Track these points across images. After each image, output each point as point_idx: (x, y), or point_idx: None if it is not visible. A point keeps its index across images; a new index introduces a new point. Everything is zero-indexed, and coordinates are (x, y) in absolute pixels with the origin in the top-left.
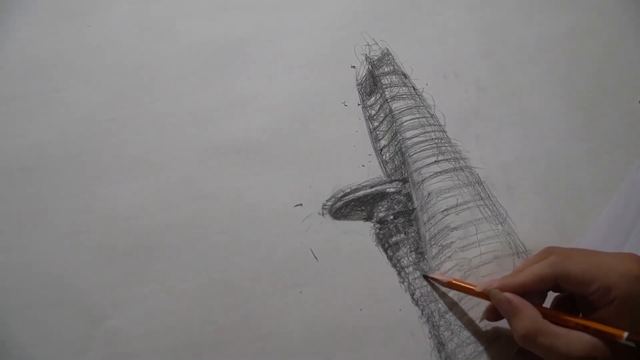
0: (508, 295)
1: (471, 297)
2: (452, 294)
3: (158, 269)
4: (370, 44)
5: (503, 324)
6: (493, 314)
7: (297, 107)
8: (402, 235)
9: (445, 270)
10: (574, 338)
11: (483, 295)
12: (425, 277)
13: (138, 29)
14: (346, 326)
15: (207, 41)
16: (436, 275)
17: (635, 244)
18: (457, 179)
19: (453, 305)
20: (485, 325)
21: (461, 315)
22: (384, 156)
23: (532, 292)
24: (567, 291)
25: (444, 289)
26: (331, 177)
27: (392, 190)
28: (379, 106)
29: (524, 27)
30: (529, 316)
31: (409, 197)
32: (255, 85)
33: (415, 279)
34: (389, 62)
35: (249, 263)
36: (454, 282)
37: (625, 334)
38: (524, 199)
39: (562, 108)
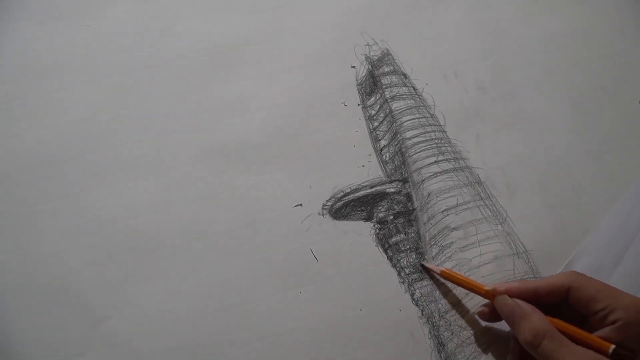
0: (517, 300)
1: (471, 297)
2: (452, 294)
3: (158, 269)
4: (370, 44)
5: (499, 325)
6: (489, 314)
7: (297, 107)
8: (402, 235)
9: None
10: (578, 350)
11: (488, 294)
12: (424, 267)
13: (138, 29)
14: (346, 326)
15: (207, 41)
16: (434, 267)
17: (635, 253)
18: (457, 179)
19: (453, 306)
20: (486, 325)
21: (461, 315)
22: (384, 156)
23: (542, 300)
24: (574, 306)
25: (448, 284)
26: (331, 177)
27: (392, 190)
28: (379, 106)
29: (524, 27)
30: (537, 319)
31: (409, 197)
32: (255, 85)
33: (415, 279)
34: (389, 62)
35: (249, 263)
36: (458, 277)
37: (612, 347)
38: (524, 199)
39: (562, 108)
